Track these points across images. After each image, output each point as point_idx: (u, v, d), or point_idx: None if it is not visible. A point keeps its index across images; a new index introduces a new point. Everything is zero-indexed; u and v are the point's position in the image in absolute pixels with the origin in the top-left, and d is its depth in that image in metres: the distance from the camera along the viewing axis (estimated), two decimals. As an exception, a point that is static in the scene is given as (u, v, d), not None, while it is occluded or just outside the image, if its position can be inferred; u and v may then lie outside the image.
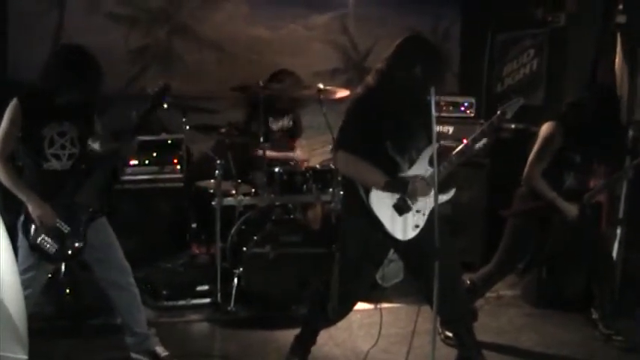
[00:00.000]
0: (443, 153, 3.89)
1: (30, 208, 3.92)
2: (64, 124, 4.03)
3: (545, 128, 4.87)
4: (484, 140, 3.97)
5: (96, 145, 4.18)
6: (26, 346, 3.18)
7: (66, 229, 4.01)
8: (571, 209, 4.83)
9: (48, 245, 3.97)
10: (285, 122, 6.57)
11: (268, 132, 5.79)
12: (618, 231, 5.80)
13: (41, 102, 3.97)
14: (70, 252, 4.04)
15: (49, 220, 3.94)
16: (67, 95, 3.95)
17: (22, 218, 3.97)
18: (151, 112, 4.22)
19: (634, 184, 5.56)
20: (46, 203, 3.94)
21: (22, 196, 3.93)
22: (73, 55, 4.00)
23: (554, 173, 4.85)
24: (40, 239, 3.95)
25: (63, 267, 4.21)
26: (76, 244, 4.05)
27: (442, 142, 4.21)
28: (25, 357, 3.14)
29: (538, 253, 5.21)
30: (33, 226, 3.95)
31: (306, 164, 6.18)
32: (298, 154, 6.47)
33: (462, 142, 3.98)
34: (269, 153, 5.80)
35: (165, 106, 4.31)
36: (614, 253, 5.71)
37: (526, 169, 4.88)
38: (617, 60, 5.97)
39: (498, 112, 3.96)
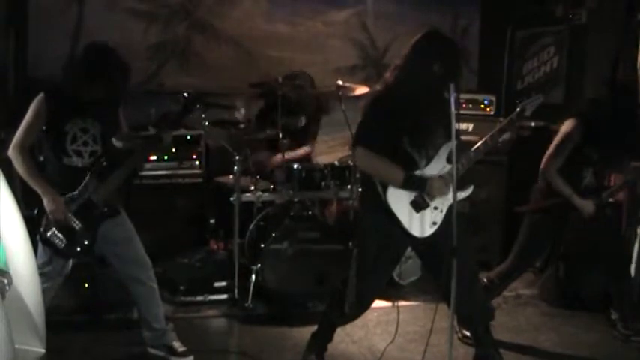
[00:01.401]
0: (462, 149, 3.88)
1: (44, 201, 3.95)
2: (87, 121, 4.07)
3: (565, 125, 4.85)
4: (504, 137, 3.96)
5: (119, 144, 4.20)
6: (44, 339, 3.19)
7: (77, 225, 4.03)
8: (587, 206, 4.80)
9: (57, 240, 4.00)
10: (298, 123, 6.53)
11: (283, 130, 5.78)
12: (638, 231, 5.75)
13: (66, 98, 4.01)
14: (78, 248, 4.06)
15: (60, 215, 3.96)
16: (90, 94, 3.99)
17: (36, 211, 3.99)
18: (182, 116, 4.25)
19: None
20: (61, 198, 3.97)
21: (37, 189, 3.96)
22: (97, 54, 4.03)
23: (572, 170, 4.83)
24: (50, 233, 3.98)
25: (70, 263, 4.21)
26: (86, 242, 4.07)
27: (462, 137, 4.16)
28: (43, 350, 3.16)
29: (555, 250, 5.18)
30: (45, 220, 3.98)
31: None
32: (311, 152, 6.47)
33: (481, 139, 3.96)
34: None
35: (194, 115, 4.36)
36: (635, 253, 5.66)
37: (542, 164, 4.86)
38: (639, 57, 5.91)
39: (517, 109, 3.95)
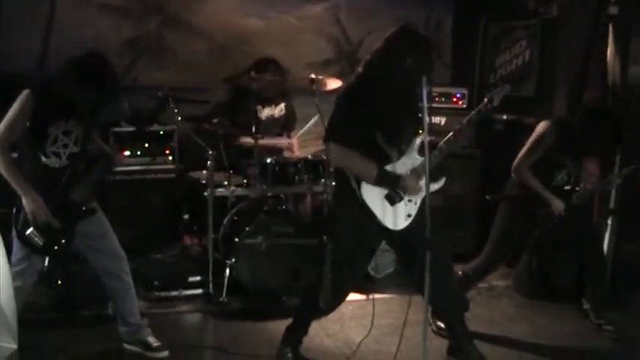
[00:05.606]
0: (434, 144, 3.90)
1: (24, 200, 3.91)
2: (70, 123, 4.02)
3: (540, 126, 4.89)
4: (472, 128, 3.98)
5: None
6: (15, 335, 3.19)
7: (56, 224, 3.98)
8: (558, 204, 4.85)
9: (36, 239, 3.95)
10: (275, 111, 6.57)
11: (257, 121, 5.79)
12: (609, 221, 5.81)
13: (53, 98, 3.93)
14: (56, 247, 4.03)
15: (41, 215, 3.92)
16: (77, 99, 3.95)
17: (14, 209, 3.96)
18: (156, 113, 4.25)
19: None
20: (41, 198, 3.93)
21: (17, 188, 3.90)
22: (95, 64, 3.99)
23: (544, 168, 4.87)
24: (28, 232, 3.94)
25: (47, 261, 4.16)
26: (63, 241, 4.04)
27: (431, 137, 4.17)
28: (15, 346, 3.15)
29: (526, 242, 5.23)
30: (23, 218, 3.94)
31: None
32: (294, 144, 6.48)
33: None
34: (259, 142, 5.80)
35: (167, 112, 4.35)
36: (606, 244, 5.72)
37: (515, 161, 4.91)
38: (608, 51, 5.96)
39: (485, 100, 3.96)
